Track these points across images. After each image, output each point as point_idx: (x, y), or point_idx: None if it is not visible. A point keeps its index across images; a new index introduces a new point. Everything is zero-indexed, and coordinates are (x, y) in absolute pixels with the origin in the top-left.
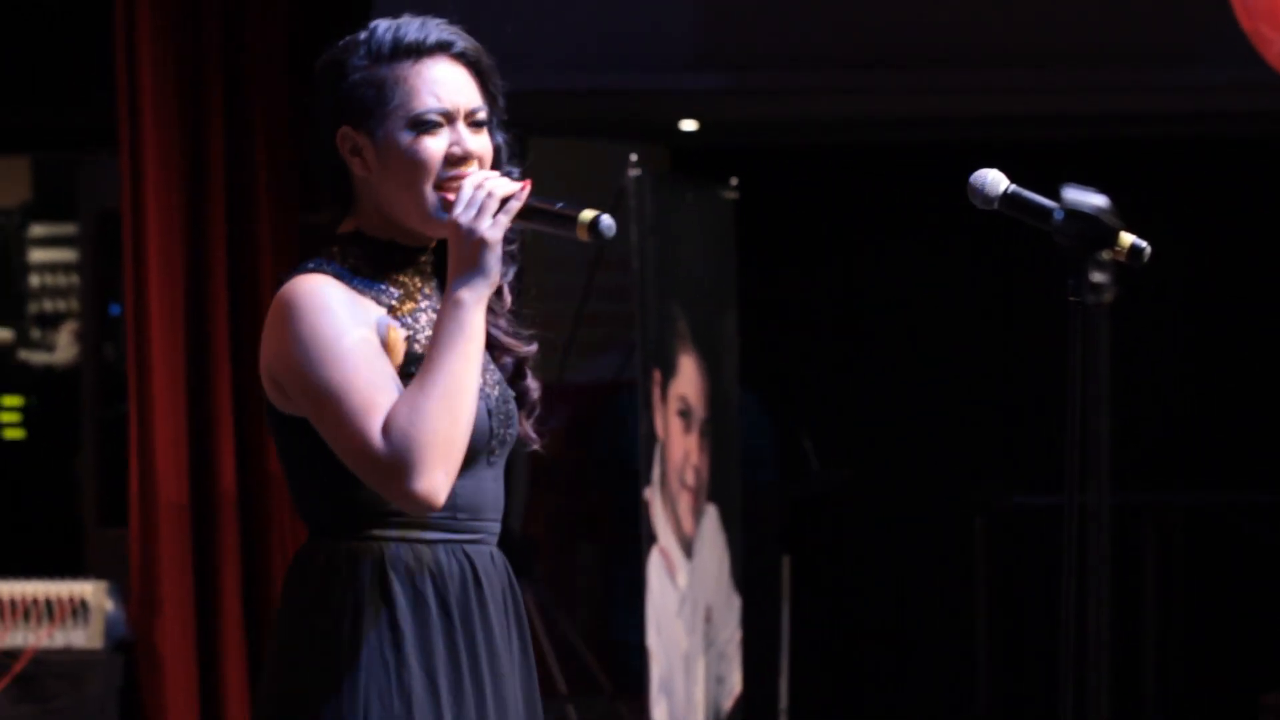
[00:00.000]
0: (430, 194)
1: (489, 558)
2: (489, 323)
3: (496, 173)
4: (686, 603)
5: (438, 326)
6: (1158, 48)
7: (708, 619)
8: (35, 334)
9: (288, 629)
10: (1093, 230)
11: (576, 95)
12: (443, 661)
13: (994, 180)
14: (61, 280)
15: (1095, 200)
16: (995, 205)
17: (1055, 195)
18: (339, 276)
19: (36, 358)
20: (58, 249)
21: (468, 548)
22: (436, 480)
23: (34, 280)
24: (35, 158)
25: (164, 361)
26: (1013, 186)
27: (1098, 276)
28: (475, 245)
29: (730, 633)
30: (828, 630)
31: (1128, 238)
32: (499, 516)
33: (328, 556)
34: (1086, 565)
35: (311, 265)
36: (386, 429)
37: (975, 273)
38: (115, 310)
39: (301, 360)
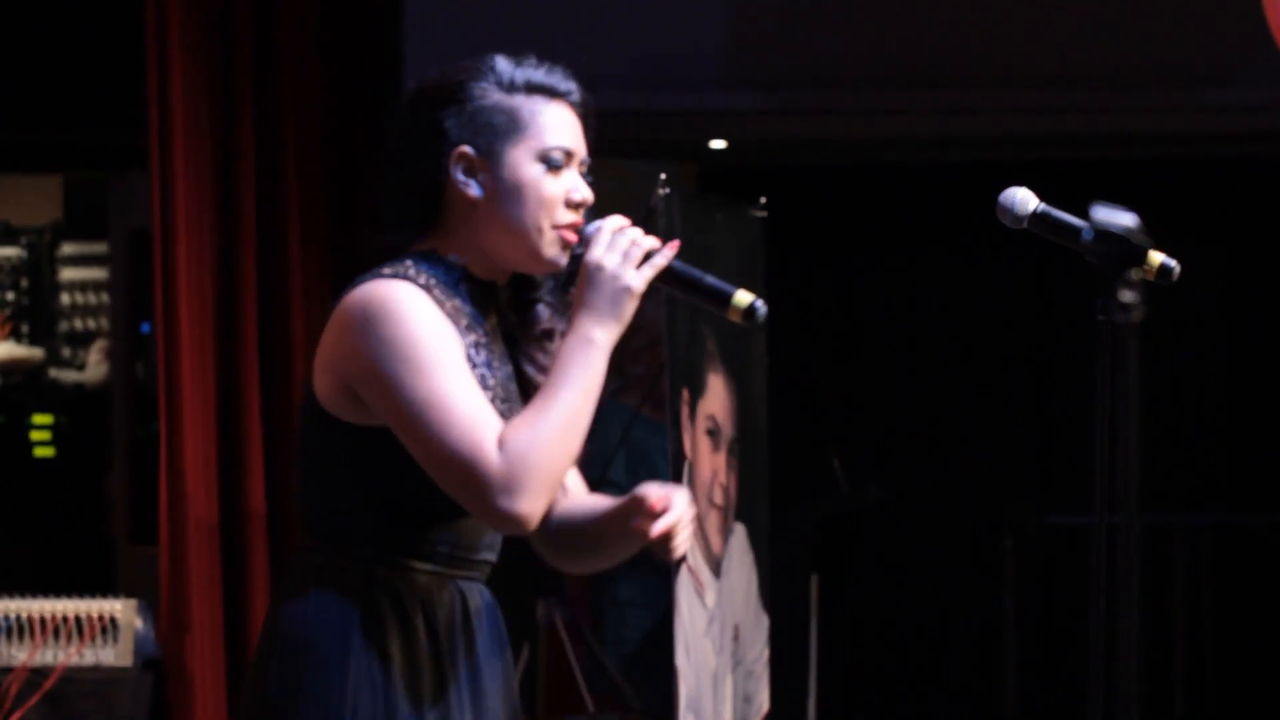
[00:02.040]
0: (550, 230)
1: (479, 595)
2: (533, 352)
3: (628, 220)
4: (715, 622)
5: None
6: (1188, 68)
7: (736, 638)
8: (66, 352)
9: (273, 635)
10: (1122, 249)
11: (606, 114)
12: (430, 690)
13: (1023, 199)
14: (92, 299)
15: (1124, 219)
16: (1024, 224)
17: (1084, 214)
18: (425, 289)
19: (67, 376)
20: (88, 268)
21: (460, 583)
22: (538, 506)
23: (65, 299)
24: (66, 177)
25: (194, 380)
26: (1042, 205)
27: (1127, 295)
28: (620, 291)
29: (758, 652)
30: (856, 649)
31: (1157, 256)
32: (494, 555)
33: (326, 568)
34: (1116, 585)
35: (389, 272)
36: (504, 444)
37: (1005, 292)
38: (145, 329)
39: (396, 366)
